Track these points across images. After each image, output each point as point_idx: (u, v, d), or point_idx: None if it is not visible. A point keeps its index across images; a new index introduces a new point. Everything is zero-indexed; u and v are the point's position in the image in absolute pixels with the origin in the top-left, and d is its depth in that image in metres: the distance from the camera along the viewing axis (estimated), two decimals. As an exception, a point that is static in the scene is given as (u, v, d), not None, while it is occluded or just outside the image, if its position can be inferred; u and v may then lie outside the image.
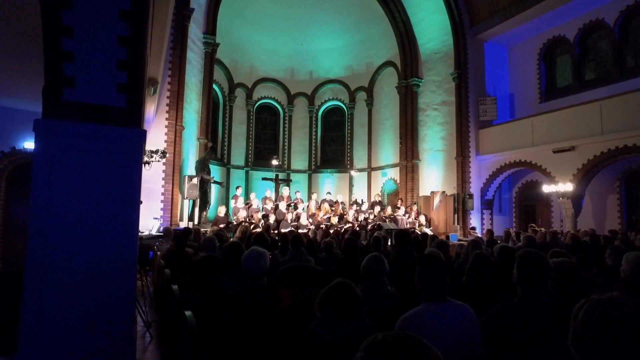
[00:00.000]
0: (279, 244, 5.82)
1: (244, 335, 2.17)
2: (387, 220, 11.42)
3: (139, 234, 3.75)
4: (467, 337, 1.85)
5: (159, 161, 8.83)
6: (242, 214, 10.73)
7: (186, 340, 2.29)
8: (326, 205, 12.31)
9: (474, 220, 13.32)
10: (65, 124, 2.89)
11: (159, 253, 6.04)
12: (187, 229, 6.04)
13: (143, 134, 3.16)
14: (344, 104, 17.53)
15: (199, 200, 10.91)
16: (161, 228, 9.05)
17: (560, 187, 11.02)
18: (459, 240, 10.91)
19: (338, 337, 1.71)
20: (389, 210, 12.28)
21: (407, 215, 12.46)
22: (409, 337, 0.80)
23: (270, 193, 12.43)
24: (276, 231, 9.68)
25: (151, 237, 7.74)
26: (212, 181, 11.78)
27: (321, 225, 10.76)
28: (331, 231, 9.04)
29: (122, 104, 3.08)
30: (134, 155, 3.14)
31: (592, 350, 0.95)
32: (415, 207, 13.22)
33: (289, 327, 2.24)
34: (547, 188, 11.60)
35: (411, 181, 14.46)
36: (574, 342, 1.00)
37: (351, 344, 1.53)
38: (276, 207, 11.30)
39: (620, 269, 2.70)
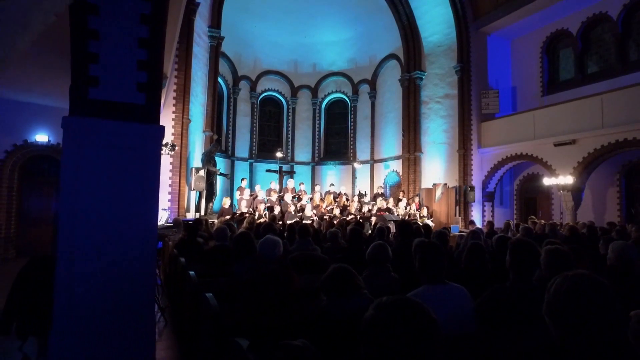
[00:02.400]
0: (285, 234, 6.06)
1: (260, 315, 2.39)
2: (385, 211, 11.63)
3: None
4: (462, 315, 2.07)
5: (168, 154, 9.04)
6: (244, 205, 10.97)
7: (207, 321, 2.52)
8: (330, 197, 12.53)
9: (475, 213, 13.52)
10: (91, 121, 3.09)
11: (170, 243, 6.28)
12: (198, 219, 6.27)
13: (162, 130, 3.37)
14: (347, 97, 17.66)
15: (205, 191, 11.15)
16: (169, 219, 9.31)
17: (560, 180, 11.17)
18: (460, 231, 11.13)
19: (346, 314, 1.93)
20: (388, 202, 12.42)
21: (408, 207, 12.66)
22: (408, 298, 1.01)
23: (275, 185, 12.65)
24: (281, 222, 9.91)
25: (163, 228, 7.98)
26: (218, 173, 12.01)
27: (325, 217, 10.98)
28: (335, 222, 9.26)
29: (142, 102, 3.28)
30: (153, 149, 3.35)
31: (561, 317, 1.16)
32: (417, 199, 13.41)
33: (302, 308, 2.46)
34: (547, 181, 11.76)
35: (413, 173, 14.65)
36: (547, 311, 1.21)
37: (357, 318, 1.75)
38: (281, 199, 11.52)
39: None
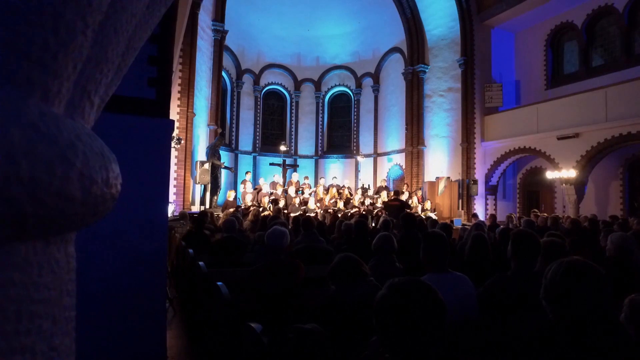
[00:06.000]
0: (290, 226, 6.15)
1: (271, 302, 2.49)
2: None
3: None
4: (466, 302, 2.15)
5: (174, 147, 9.13)
6: (248, 198, 11.07)
7: (220, 308, 2.62)
8: (334, 190, 12.60)
9: (478, 206, 13.57)
10: (103, 115, 3.17)
11: (177, 235, 6.39)
12: (203, 212, 6.37)
13: (172, 124, 3.46)
14: (351, 90, 17.66)
15: (209, 185, 11.25)
16: (175, 212, 9.43)
17: (563, 173, 11.20)
18: (463, 224, 11.20)
19: (354, 299, 2.02)
20: (383, 195, 12.38)
21: (410, 200, 12.70)
22: (419, 280, 1.10)
23: (279, 178, 12.73)
24: (285, 213, 10.00)
25: (170, 220, 8.10)
26: (223, 166, 12.10)
27: (329, 210, 11.07)
28: (339, 215, 9.35)
29: (153, 97, 3.36)
30: (163, 142, 3.43)
31: (557, 299, 1.24)
32: (419, 193, 13.47)
33: (310, 295, 2.56)
34: (550, 174, 11.79)
35: (417, 167, 14.70)
36: (544, 295, 1.29)
37: (365, 303, 1.84)
38: (285, 192, 11.62)
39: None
